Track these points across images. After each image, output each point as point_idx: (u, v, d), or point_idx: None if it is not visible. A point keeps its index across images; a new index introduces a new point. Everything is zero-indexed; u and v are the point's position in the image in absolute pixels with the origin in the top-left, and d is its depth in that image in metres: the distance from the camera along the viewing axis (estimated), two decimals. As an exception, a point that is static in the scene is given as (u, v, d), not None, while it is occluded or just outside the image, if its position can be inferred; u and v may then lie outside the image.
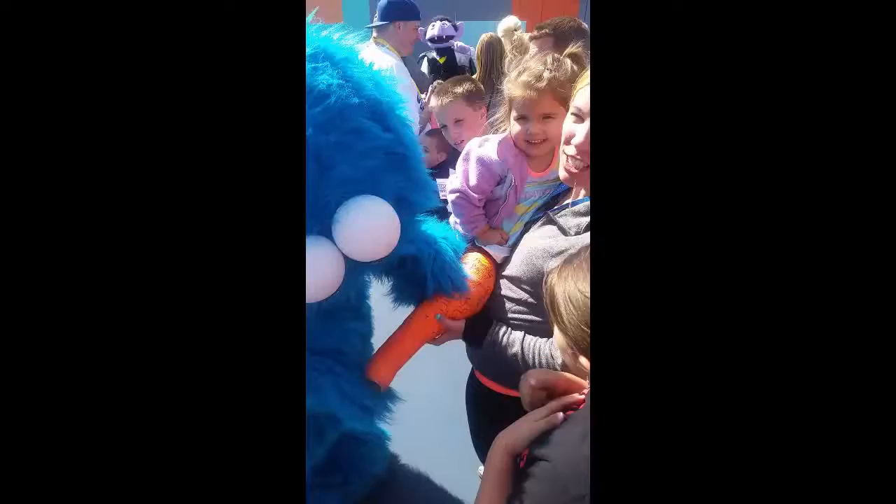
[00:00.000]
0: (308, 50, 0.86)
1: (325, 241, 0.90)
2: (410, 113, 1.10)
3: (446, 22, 3.17)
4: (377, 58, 2.36)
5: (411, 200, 0.99)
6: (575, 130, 0.99)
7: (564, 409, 0.78)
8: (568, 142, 1.01)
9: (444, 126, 1.68)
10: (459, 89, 1.61)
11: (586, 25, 1.70)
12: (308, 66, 0.84)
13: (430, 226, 1.18)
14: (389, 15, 2.60)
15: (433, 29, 3.18)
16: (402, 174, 0.97)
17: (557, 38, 1.62)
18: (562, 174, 1.06)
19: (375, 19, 2.66)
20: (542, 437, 0.72)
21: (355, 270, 0.96)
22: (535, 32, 1.78)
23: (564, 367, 1.02)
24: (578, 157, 0.99)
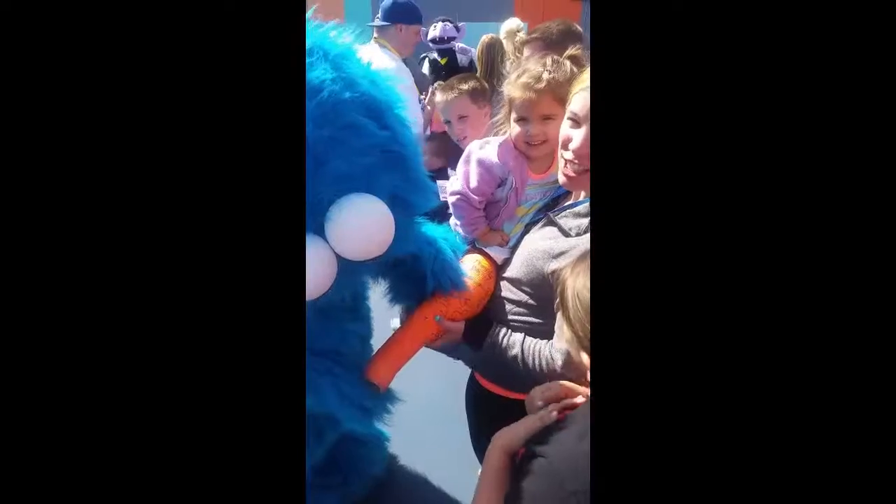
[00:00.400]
0: None
1: (317, 239, 0.89)
2: (411, 114, 1.09)
3: (448, 23, 3.17)
4: (377, 58, 2.36)
5: (408, 200, 0.98)
6: (572, 135, 0.99)
7: (561, 409, 0.79)
8: (565, 146, 1.01)
9: (448, 122, 1.69)
10: (465, 86, 1.62)
11: (577, 27, 1.69)
12: None
13: (430, 227, 1.18)
14: (392, 17, 2.60)
15: (435, 30, 3.18)
16: (398, 173, 0.96)
17: (546, 43, 1.62)
18: (561, 179, 1.06)
19: (377, 19, 2.66)
20: (540, 436, 0.73)
21: (349, 270, 0.95)
22: (528, 37, 1.79)
23: (565, 366, 1.02)
24: (576, 161, 0.99)
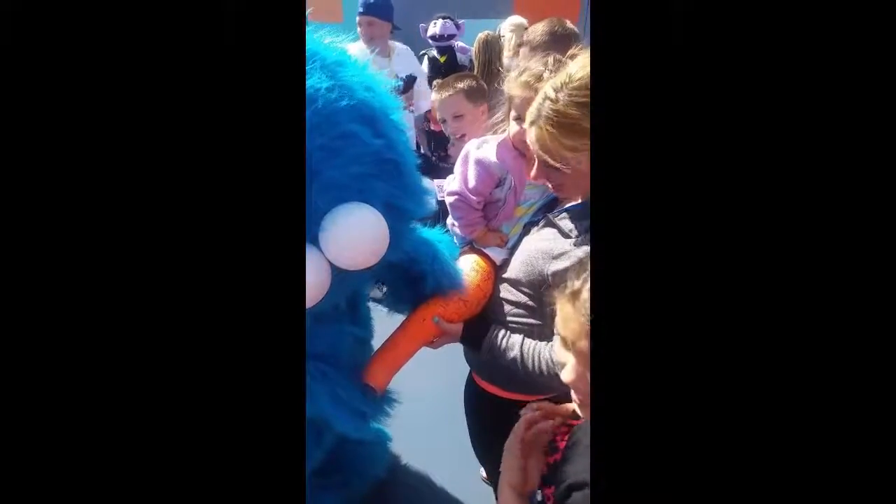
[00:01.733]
0: None
1: (311, 248, 0.89)
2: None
3: (448, 20, 3.15)
4: (356, 49, 2.40)
5: (403, 208, 0.98)
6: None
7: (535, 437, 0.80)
8: None
9: (444, 120, 1.68)
10: (461, 84, 1.61)
11: (567, 26, 1.66)
12: None
13: (425, 231, 1.17)
14: (365, 8, 2.65)
15: (435, 27, 3.15)
16: (393, 181, 0.95)
17: (533, 49, 1.60)
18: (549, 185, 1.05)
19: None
20: (581, 465, 0.70)
21: (343, 278, 0.94)
22: (520, 40, 1.77)
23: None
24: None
